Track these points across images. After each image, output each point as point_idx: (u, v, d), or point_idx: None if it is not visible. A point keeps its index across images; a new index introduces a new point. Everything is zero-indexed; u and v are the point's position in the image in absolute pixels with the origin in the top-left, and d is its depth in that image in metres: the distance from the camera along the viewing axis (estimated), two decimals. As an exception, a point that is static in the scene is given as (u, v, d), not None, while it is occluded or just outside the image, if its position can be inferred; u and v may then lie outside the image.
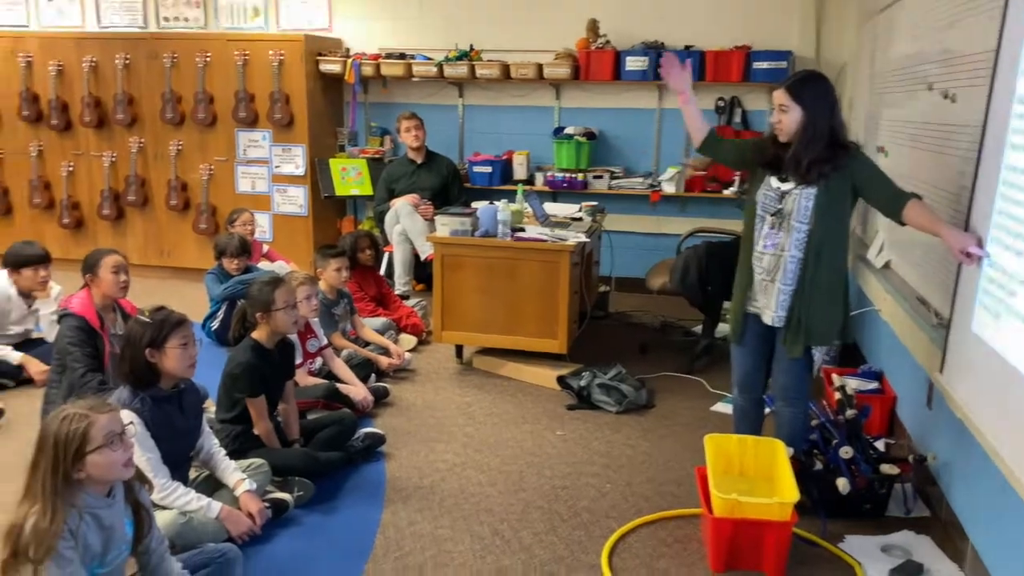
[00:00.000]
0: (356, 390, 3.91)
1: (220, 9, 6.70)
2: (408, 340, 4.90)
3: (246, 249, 5.06)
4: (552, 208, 5.15)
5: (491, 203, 4.52)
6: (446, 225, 4.42)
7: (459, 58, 6.15)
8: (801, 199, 2.85)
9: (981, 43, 2.66)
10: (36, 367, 4.16)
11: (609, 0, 6.01)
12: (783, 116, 2.85)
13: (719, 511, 2.64)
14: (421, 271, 5.81)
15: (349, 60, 6.25)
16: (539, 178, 6.20)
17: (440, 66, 6.13)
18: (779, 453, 2.91)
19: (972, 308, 2.49)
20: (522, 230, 4.48)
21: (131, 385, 2.64)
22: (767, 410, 3.31)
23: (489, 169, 6.21)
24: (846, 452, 2.95)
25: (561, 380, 4.19)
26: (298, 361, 3.71)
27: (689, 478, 3.25)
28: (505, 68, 6.05)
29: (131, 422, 2.23)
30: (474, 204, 4.87)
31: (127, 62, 6.32)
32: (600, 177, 6.10)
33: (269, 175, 6.33)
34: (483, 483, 3.28)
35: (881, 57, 4.31)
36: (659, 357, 4.75)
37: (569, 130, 6.08)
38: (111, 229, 6.65)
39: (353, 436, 3.45)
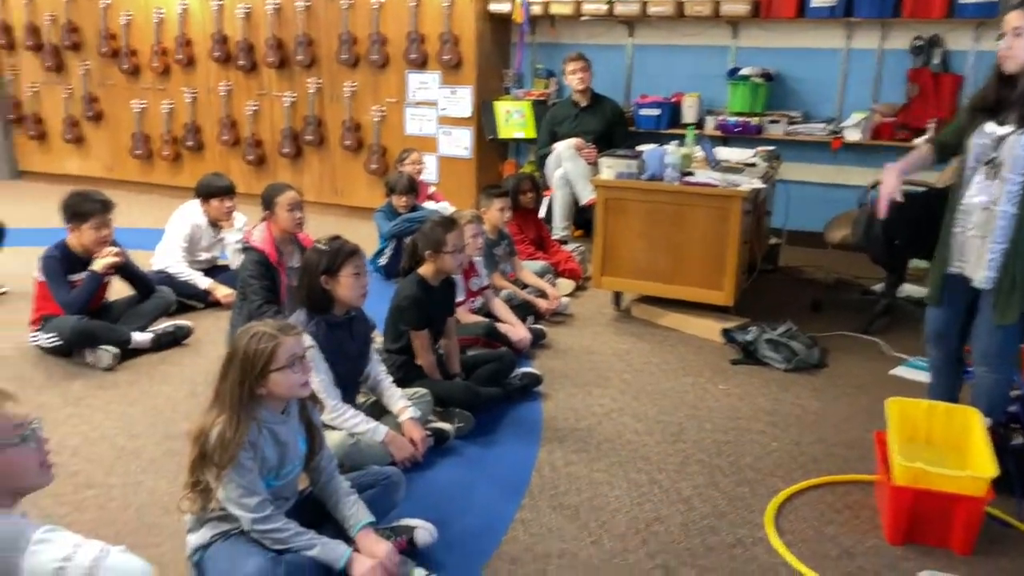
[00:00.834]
0: (515, 330, 3.93)
1: (395, -50, 6.78)
2: (566, 284, 4.87)
3: (414, 188, 5.18)
4: (724, 153, 4.90)
5: (659, 146, 4.34)
6: (611, 167, 4.30)
7: (631, -6, 5.92)
8: (1018, 146, 2.53)
9: None
10: (222, 291, 4.50)
11: (797, -71, 5.56)
12: (1016, 42, 2.51)
13: (901, 479, 2.44)
14: (579, 217, 5.73)
15: (519, -1, 6.18)
16: (710, 122, 5.91)
17: (611, 3, 5.93)
18: (974, 423, 2.64)
19: None
20: (691, 174, 4.28)
21: (307, 310, 2.76)
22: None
23: (657, 112, 5.98)
24: (1053, 428, 2.65)
25: (726, 333, 4.02)
26: (460, 299, 3.76)
27: (863, 442, 3.04)
28: (679, 5, 5.77)
29: (312, 345, 2.32)
30: (639, 148, 4.71)
31: (308, 4, 6.55)
32: (777, 122, 5.73)
33: (436, 117, 6.43)
34: (639, 431, 3.21)
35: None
36: (833, 316, 4.45)
37: (745, 71, 5.74)
38: (290, 167, 7.00)
39: (511, 374, 3.48)
